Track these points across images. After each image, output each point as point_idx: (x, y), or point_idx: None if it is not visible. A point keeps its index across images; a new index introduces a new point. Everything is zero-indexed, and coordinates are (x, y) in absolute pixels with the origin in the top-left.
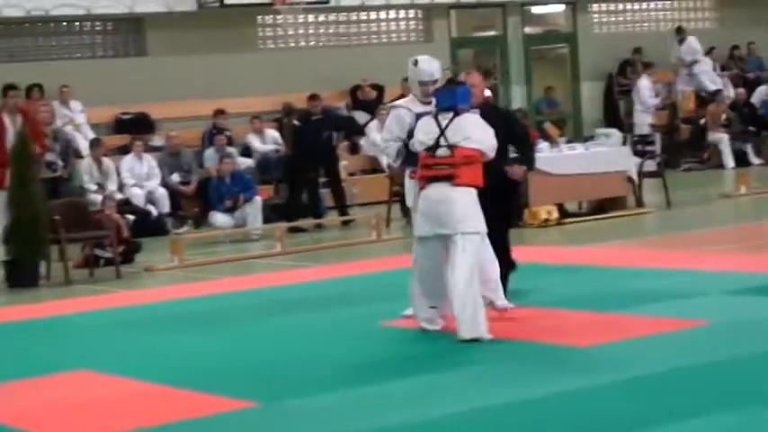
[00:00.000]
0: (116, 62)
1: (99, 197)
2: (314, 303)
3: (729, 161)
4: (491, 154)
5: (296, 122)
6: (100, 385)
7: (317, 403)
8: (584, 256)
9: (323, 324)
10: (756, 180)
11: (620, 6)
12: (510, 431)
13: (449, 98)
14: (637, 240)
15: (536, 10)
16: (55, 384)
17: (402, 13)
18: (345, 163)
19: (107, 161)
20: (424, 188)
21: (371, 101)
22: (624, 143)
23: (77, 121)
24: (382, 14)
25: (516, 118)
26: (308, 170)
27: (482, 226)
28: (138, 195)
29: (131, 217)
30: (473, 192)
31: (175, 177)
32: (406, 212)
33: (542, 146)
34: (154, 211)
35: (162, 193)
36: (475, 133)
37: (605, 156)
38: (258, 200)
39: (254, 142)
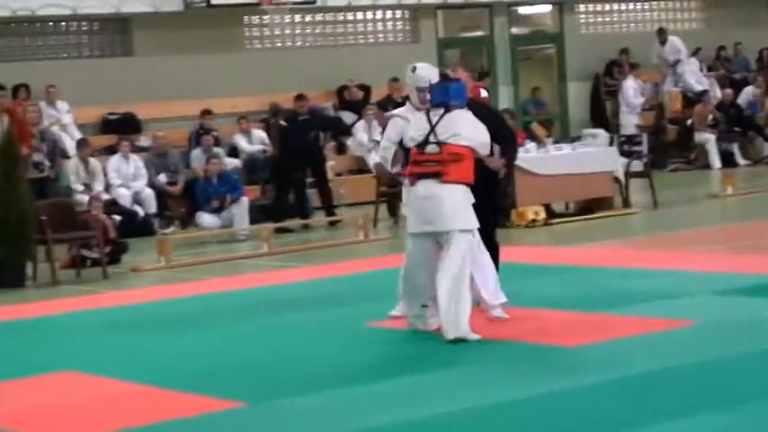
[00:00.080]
0: (102, 62)
1: (86, 197)
2: (301, 304)
3: (716, 162)
4: (483, 151)
5: (283, 123)
6: (87, 386)
7: (305, 403)
8: (571, 256)
9: (310, 324)
10: (743, 180)
11: (607, 7)
12: (499, 431)
13: (441, 94)
14: (624, 241)
15: (523, 10)
16: (42, 385)
17: (389, 14)
18: (332, 163)
19: (94, 161)
20: (413, 185)
21: (358, 101)
22: (611, 143)
23: (64, 122)
24: (369, 15)
25: (503, 117)
26: (295, 170)
27: (473, 223)
28: (124, 196)
29: (118, 217)
30: (462, 189)
31: (162, 178)
32: (394, 213)
33: (529, 146)
34: (140, 212)
35: (149, 193)
36: (465, 130)
37: (592, 156)
38: (245, 200)
39: (241, 142)
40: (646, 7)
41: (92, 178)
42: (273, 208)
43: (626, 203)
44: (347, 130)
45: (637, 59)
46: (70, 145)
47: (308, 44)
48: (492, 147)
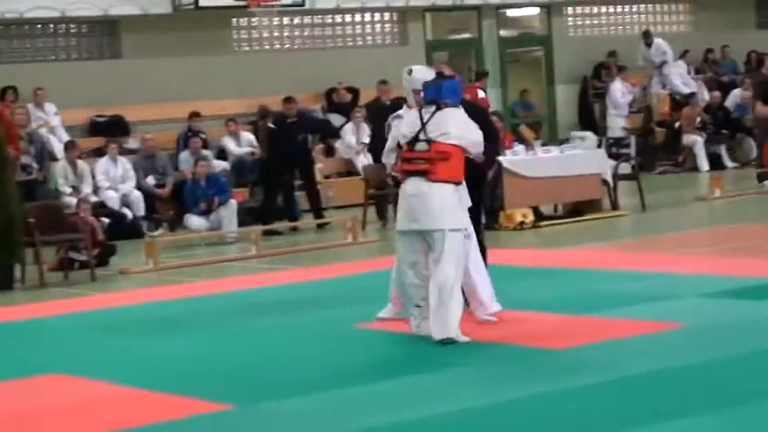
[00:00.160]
0: (91, 65)
1: (74, 200)
2: (289, 306)
3: (704, 164)
4: (474, 150)
5: (271, 125)
6: (75, 388)
7: (293, 406)
8: (559, 258)
9: (298, 327)
10: (730, 183)
11: (595, 10)
12: None
13: (434, 92)
14: (612, 243)
15: (511, 13)
16: (29, 387)
17: (377, 16)
18: (321, 166)
19: (82, 164)
20: (403, 182)
21: (347, 104)
22: (599, 146)
23: (52, 124)
24: (357, 17)
25: (488, 116)
26: (284, 173)
27: (462, 222)
28: (112, 198)
29: (106, 220)
30: (450, 188)
31: (150, 180)
32: (382, 215)
33: (518, 149)
34: (129, 214)
35: (137, 195)
36: (454, 129)
37: (580, 158)
38: (233, 203)
39: (230, 145)
40: (634, 10)
41: (80, 181)
42: (262, 210)
43: (614, 206)
44: (335, 133)
45: (625, 62)
46: (58, 147)
47: (296, 46)
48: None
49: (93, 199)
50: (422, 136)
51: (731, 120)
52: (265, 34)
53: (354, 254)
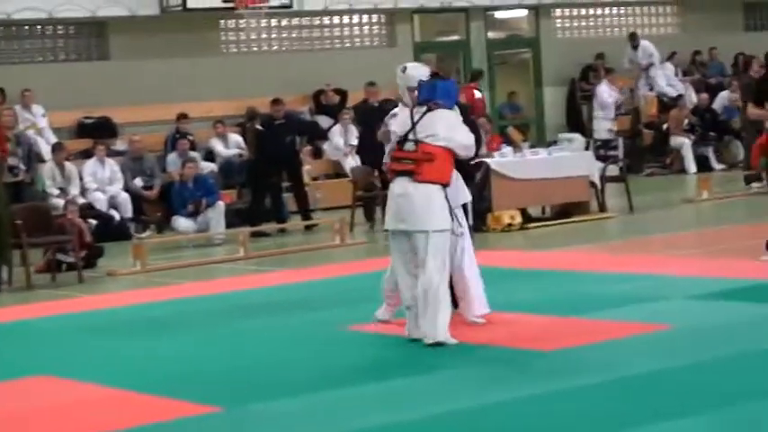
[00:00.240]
0: (78, 66)
1: (61, 201)
2: (277, 308)
3: (691, 166)
4: (462, 153)
5: (259, 127)
6: (62, 390)
7: (281, 408)
8: (547, 260)
9: (286, 329)
10: (718, 185)
11: (583, 12)
12: None
13: (427, 92)
14: (600, 245)
15: (499, 15)
16: (17, 389)
17: (365, 18)
18: (309, 167)
19: (69, 165)
20: (392, 181)
21: (335, 105)
22: (587, 148)
23: (39, 125)
24: (345, 19)
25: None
26: (271, 175)
27: (447, 224)
28: (100, 200)
29: (94, 221)
30: (435, 189)
31: (138, 182)
32: (370, 217)
33: (505, 150)
34: (116, 216)
35: (124, 197)
36: (442, 131)
37: (568, 160)
38: (221, 204)
39: (217, 147)
40: (621, 12)
41: (67, 182)
42: (249, 212)
43: (602, 208)
44: (323, 135)
45: (613, 64)
46: (46, 149)
47: (284, 48)
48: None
49: (81, 201)
50: (411, 136)
51: (719, 122)
52: (253, 36)
53: (342, 255)
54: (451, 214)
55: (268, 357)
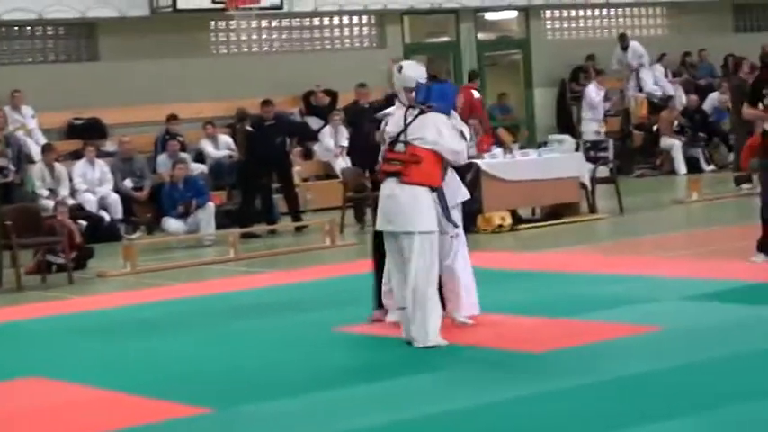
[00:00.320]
0: (68, 67)
1: (51, 203)
2: (267, 309)
3: (681, 167)
4: (451, 158)
5: (249, 128)
6: (52, 392)
7: (272, 409)
8: (537, 261)
9: (276, 330)
10: (708, 186)
11: (573, 13)
12: None
13: (423, 95)
14: (590, 246)
15: (489, 16)
16: (7, 391)
17: (355, 19)
18: (299, 169)
19: (59, 167)
20: (382, 182)
21: (325, 107)
22: (577, 149)
23: (29, 127)
24: (335, 20)
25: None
26: (262, 176)
27: (433, 226)
28: (90, 201)
29: (84, 223)
30: (422, 191)
31: (128, 183)
32: (360, 218)
33: (496, 152)
34: (106, 217)
35: (114, 198)
36: (430, 134)
37: (558, 162)
38: (211, 206)
39: (207, 148)
40: (612, 13)
41: (57, 183)
42: (240, 213)
43: (592, 209)
44: (314, 136)
45: (603, 66)
46: (35, 150)
47: (274, 49)
48: None
49: (71, 202)
50: (402, 137)
51: (708, 123)
52: (243, 37)
53: (332, 257)
54: (446, 215)
55: (259, 359)
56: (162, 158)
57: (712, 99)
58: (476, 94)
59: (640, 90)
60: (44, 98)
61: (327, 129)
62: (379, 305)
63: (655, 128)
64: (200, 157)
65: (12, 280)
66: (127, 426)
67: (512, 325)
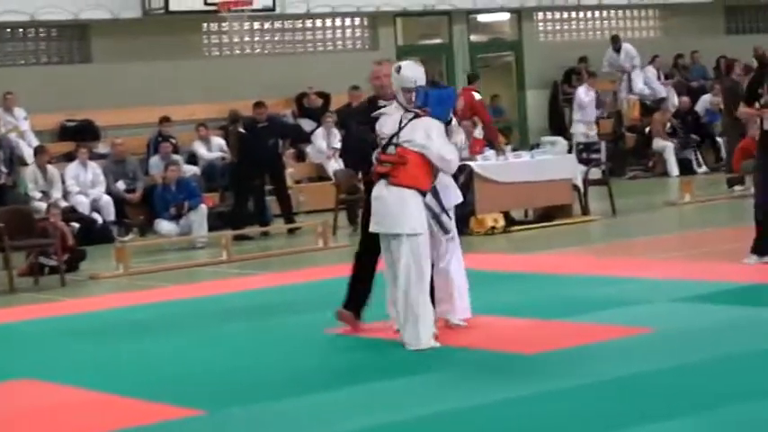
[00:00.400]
0: (61, 69)
1: (44, 205)
2: (260, 311)
3: (674, 169)
4: (439, 164)
5: (241, 130)
6: (44, 394)
7: (264, 411)
8: (530, 263)
9: (269, 332)
10: (700, 188)
11: (566, 15)
12: None
13: (420, 100)
14: (582, 248)
15: (482, 18)
16: None
17: (348, 21)
18: (291, 170)
19: (52, 169)
20: (375, 184)
21: (317, 108)
22: (569, 151)
23: (21, 128)
24: (328, 22)
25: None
26: (254, 177)
27: (422, 228)
28: (83, 203)
29: (76, 225)
30: (409, 193)
31: (120, 185)
32: (353, 220)
33: (488, 154)
34: (99, 219)
35: (107, 200)
36: (419, 138)
37: (551, 164)
38: (203, 207)
39: (200, 150)
40: (604, 15)
41: (50, 185)
42: (232, 215)
43: (585, 211)
44: (306, 138)
45: (595, 68)
46: (28, 152)
47: (266, 51)
48: None
49: (63, 204)
50: (395, 140)
51: (701, 125)
52: (236, 39)
53: (325, 259)
54: (437, 221)
55: (251, 360)
56: (154, 160)
57: (704, 101)
58: (477, 96)
59: (632, 92)
60: (37, 100)
61: (320, 131)
62: (349, 305)
63: (647, 130)
64: (192, 158)
65: (4, 282)
66: (119, 428)
67: (504, 327)
